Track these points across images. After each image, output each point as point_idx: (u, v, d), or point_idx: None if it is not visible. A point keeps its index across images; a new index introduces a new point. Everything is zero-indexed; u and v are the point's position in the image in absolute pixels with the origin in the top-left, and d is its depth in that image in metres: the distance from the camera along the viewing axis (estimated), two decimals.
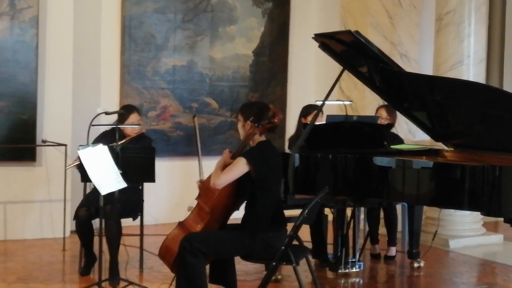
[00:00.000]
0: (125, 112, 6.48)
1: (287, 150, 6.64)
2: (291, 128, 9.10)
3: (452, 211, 7.82)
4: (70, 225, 7.36)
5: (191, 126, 9.01)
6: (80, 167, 5.51)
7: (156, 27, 8.83)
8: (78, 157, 5.59)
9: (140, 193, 6.52)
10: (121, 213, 6.02)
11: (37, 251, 7.36)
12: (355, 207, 6.47)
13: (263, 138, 5.13)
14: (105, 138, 6.33)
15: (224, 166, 5.06)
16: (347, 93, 9.22)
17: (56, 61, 7.96)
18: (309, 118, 6.88)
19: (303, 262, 5.21)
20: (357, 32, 5.75)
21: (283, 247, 4.87)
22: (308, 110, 7.08)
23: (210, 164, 5.65)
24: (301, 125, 7.00)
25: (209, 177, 5.12)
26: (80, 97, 8.20)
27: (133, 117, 6.50)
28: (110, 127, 6.37)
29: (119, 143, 6.01)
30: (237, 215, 5.26)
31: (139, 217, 6.54)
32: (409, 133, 8.73)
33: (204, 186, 5.16)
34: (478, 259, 7.53)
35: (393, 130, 7.30)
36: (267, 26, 9.57)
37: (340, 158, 5.79)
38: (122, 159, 5.63)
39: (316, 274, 5.79)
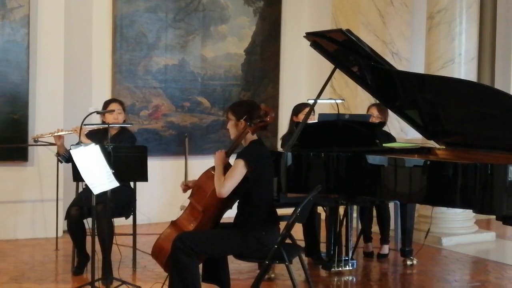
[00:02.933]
0: (106, 102, 6.70)
1: (280, 149, 6.64)
2: (283, 126, 9.10)
3: (444, 209, 7.85)
4: (63, 224, 7.32)
5: (183, 125, 9.05)
6: (72, 166, 5.51)
7: (147, 26, 8.82)
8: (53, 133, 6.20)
9: (133, 192, 6.52)
10: (114, 212, 6.00)
11: (29, 251, 7.34)
12: (348, 206, 6.47)
13: (255, 137, 5.14)
14: (92, 136, 6.37)
15: (223, 170, 5.04)
16: (339, 92, 9.23)
17: (48, 60, 7.94)
18: (301, 116, 6.89)
19: (296, 260, 5.21)
20: (348, 30, 5.76)
21: (276, 246, 4.87)
22: (299, 108, 7.10)
23: (203, 163, 5.65)
24: (293, 124, 7.01)
25: (202, 175, 5.12)
26: (72, 97, 8.19)
27: (113, 106, 6.58)
28: (98, 126, 6.46)
29: (94, 124, 6.39)
30: (230, 214, 5.25)
31: (131, 216, 6.53)
32: (401, 131, 8.75)
33: (197, 185, 5.15)
34: (470, 256, 7.54)
35: (385, 128, 7.32)
36: (258, 25, 9.57)
37: (332, 156, 5.79)
38: (114, 159, 5.63)
39: (309, 273, 5.80)
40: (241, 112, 5.09)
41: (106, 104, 6.66)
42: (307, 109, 6.89)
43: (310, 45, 6.20)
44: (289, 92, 9.71)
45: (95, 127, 6.49)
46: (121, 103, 6.73)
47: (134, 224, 6.57)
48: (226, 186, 4.92)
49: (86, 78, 8.52)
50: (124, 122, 6.66)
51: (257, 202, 5.01)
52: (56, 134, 6.43)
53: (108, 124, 6.24)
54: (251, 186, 4.99)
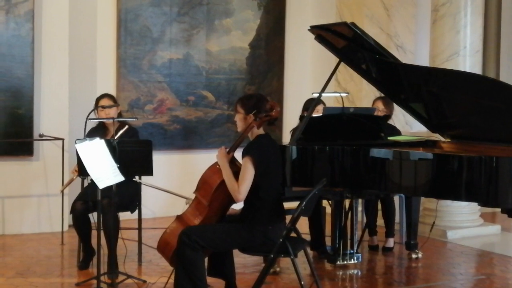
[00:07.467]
0: (98, 98, 6.64)
1: (285, 143, 6.64)
2: (288, 120, 9.11)
3: (449, 202, 7.84)
4: (68, 219, 7.35)
5: (188, 119, 9.05)
6: (78, 162, 5.51)
7: (152, 20, 8.81)
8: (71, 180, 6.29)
9: (138, 186, 6.52)
10: (119, 206, 6.01)
11: (35, 245, 7.36)
12: (353, 199, 6.48)
13: (261, 131, 5.13)
14: (94, 133, 6.36)
15: (232, 172, 5.01)
16: (344, 85, 9.22)
17: (52, 55, 7.95)
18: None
19: (301, 254, 5.21)
20: (353, 23, 5.76)
21: (281, 240, 4.88)
22: (310, 103, 7.07)
23: (208, 157, 5.66)
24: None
25: (208, 170, 5.12)
26: (77, 91, 8.19)
27: (104, 101, 6.55)
28: (99, 121, 6.46)
29: (99, 118, 6.38)
30: (236, 207, 5.26)
31: (137, 211, 6.54)
32: (406, 124, 8.74)
33: (202, 180, 5.14)
34: (476, 249, 7.54)
35: (390, 121, 7.31)
36: (263, 19, 9.56)
37: (337, 150, 5.80)
38: (119, 153, 5.63)
39: (314, 266, 5.80)
40: (251, 106, 5.09)
41: (98, 100, 6.62)
42: (320, 106, 6.90)
43: (314, 39, 6.20)
44: (293, 85, 9.71)
45: (99, 121, 6.48)
46: (112, 97, 6.72)
47: (140, 218, 6.58)
48: (242, 192, 4.93)
49: (90, 72, 8.52)
50: (120, 114, 6.67)
51: (264, 196, 5.00)
52: (74, 178, 6.42)
53: (114, 118, 6.23)
54: (258, 180, 4.98)
